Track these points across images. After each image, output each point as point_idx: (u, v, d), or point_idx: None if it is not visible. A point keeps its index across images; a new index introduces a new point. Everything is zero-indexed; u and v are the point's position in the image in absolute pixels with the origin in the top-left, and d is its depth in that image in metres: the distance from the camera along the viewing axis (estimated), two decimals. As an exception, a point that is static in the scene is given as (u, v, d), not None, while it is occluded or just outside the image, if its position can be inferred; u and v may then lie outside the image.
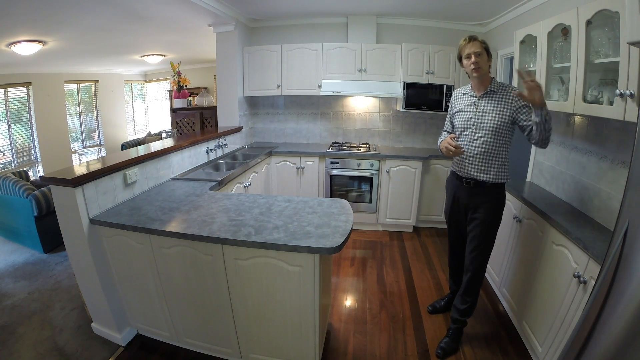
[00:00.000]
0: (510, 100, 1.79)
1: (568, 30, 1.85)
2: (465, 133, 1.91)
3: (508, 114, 1.79)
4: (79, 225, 1.74)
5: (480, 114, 1.85)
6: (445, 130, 2.13)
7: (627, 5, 1.09)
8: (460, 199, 2.00)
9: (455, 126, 2.00)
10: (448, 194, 2.12)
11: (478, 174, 1.87)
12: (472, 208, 1.94)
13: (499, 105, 1.81)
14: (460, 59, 1.91)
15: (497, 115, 1.81)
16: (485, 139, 1.83)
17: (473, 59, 1.78)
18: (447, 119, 2.12)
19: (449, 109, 2.08)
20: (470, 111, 1.89)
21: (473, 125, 1.87)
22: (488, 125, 1.82)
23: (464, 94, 1.97)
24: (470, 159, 1.88)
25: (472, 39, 1.80)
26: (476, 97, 1.88)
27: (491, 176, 1.85)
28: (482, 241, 1.92)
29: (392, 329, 2.19)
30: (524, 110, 1.77)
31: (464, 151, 1.87)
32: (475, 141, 1.86)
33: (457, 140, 1.91)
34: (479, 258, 1.94)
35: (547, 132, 1.64)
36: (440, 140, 2.02)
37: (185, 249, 1.65)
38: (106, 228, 1.78)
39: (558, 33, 1.94)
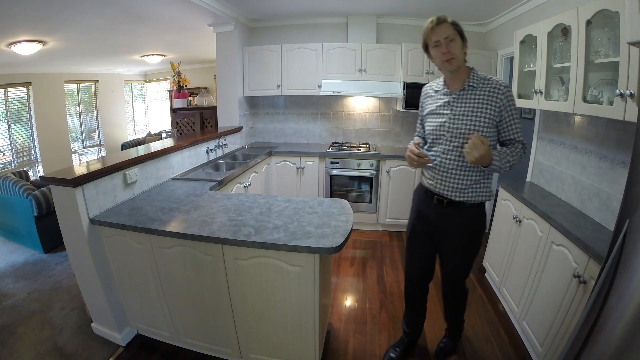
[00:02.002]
0: (495, 98, 1.42)
1: (568, 30, 1.85)
2: (438, 142, 1.53)
3: (492, 115, 1.43)
4: (79, 225, 1.74)
5: (457, 117, 1.47)
6: (417, 135, 1.76)
7: (627, 5, 1.09)
8: (427, 218, 1.65)
9: (426, 133, 1.61)
10: (412, 209, 1.75)
11: (453, 193, 1.52)
12: (442, 230, 1.61)
13: (481, 105, 1.43)
14: (426, 49, 1.48)
15: (478, 118, 1.43)
16: (462, 149, 1.44)
17: (443, 47, 1.40)
18: (417, 122, 1.75)
19: (419, 109, 1.70)
20: (443, 113, 1.51)
21: (447, 131, 1.49)
22: (466, 131, 1.44)
23: (435, 91, 1.59)
24: (444, 174, 1.52)
25: (440, 21, 1.40)
26: (451, 94, 1.51)
27: (469, 195, 1.51)
28: (458, 273, 1.70)
29: (392, 329, 2.19)
30: (508, 119, 1.45)
31: (431, 161, 1.53)
32: (450, 152, 1.49)
33: (430, 151, 1.58)
34: (458, 288, 1.77)
35: (512, 168, 1.47)
36: (409, 146, 1.59)
37: (185, 249, 1.64)
38: (106, 228, 1.78)
39: (558, 33, 1.94)
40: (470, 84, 1.47)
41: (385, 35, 3.89)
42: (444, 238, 1.63)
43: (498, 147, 1.54)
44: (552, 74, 2.06)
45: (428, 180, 1.62)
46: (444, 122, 1.50)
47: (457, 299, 1.84)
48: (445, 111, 1.51)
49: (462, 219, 1.57)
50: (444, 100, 1.53)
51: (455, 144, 1.48)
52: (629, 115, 1.35)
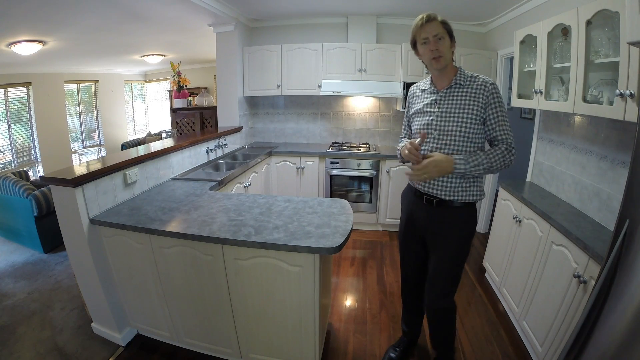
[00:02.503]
0: (481, 95, 1.41)
1: (568, 30, 1.85)
2: (426, 140, 1.51)
3: (478, 112, 1.41)
4: (79, 225, 1.74)
5: (444, 115, 1.45)
6: (403, 137, 1.76)
7: (627, 5, 1.09)
8: (417, 220, 1.63)
9: (413, 132, 1.60)
10: (403, 211, 1.75)
11: (442, 192, 1.49)
12: (432, 233, 1.57)
13: (467, 102, 1.42)
14: (414, 46, 1.48)
15: (464, 116, 1.41)
16: (452, 147, 1.44)
17: (432, 45, 1.39)
18: (404, 123, 1.73)
19: (406, 109, 1.69)
20: (431, 112, 1.50)
21: (435, 129, 1.47)
22: (454, 129, 1.42)
23: (422, 90, 1.58)
24: None
25: (430, 18, 1.39)
26: (438, 93, 1.50)
27: (459, 194, 1.47)
28: (446, 278, 1.57)
29: (392, 329, 2.19)
30: (493, 117, 1.40)
31: (420, 160, 1.47)
32: (438, 150, 1.47)
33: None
34: (444, 299, 1.60)
35: (492, 171, 1.42)
36: (398, 148, 1.64)
37: (185, 249, 1.64)
38: (106, 228, 1.78)
39: (558, 33, 1.94)
40: (457, 81, 1.45)
41: (385, 35, 3.89)
42: (434, 240, 1.58)
43: (487, 146, 1.50)
44: (552, 74, 2.06)
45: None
46: (432, 120, 1.49)
47: (440, 315, 1.67)
48: (432, 109, 1.50)
49: (453, 219, 1.52)
50: (431, 98, 1.52)
51: (444, 142, 1.46)
52: (629, 115, 1.35)
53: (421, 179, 1.42)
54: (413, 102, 1.63)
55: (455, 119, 1.43)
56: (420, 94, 1.59)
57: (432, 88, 1.53)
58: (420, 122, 1.53)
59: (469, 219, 1.55)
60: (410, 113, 1.62)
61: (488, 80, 1.43)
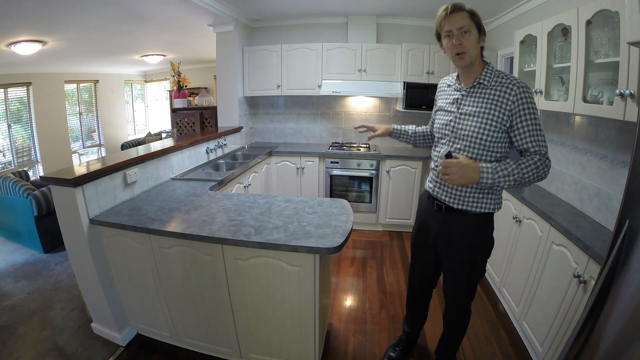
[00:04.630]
0: (506, 100, 1.25)
1: (568, 30, 1.85)
2: (442, 141, 1.43)
3: (500, 119, 1.27)
4: (79, 225, 1.74)
5: (463, 117, 1.35)
6: (426, 127, 1.73)
7: (627, 5, 1.09)
8: (428, 226, 1.56)
9: (435, 129, 1.51)
10: (417, 216, 1.69)
11: (451, 199, 1.41)
12: (444, 241, 1.50)
13: (489, 106, 1.28)
14: (439, 38, 1.36)
15: (484, 121, 1.29)
16: (466, 153, 1.34)
17: (455, 39, 1.25)
18: (430, 119, 1.65)
19: (434, 104, 1.60)
20: (450, 111, 1.41)
21: (452, 131, 1.39)
22: (471, 134, 1.32)
23: (448, 86, 1.48)
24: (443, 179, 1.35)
25: (455, 8, 1.25)
26: (461, 91, 1.39)
27: (470, 204, 1.38)
28: (460, 287, 1.53)
29: (392, 329, 2.19)
30: (521, 126, 1.25)
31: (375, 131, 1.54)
32: None
33: (434, 151, 1.50)
34: (459, 307, 1.60)
35: (523, 184, 1.26)
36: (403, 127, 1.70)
37: (185, 249, 1.64)
38: (106, 228, 1.78)
39: (558, 33, 1.94)
40: (481, 81, 1.32)
41: (385, 35, 3.89)
42: (446, 250, 1.51)
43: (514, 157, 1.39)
44: (552, 74, 2.06)
45: (429, 183, 1.53)
46: (450, 120, 1.41)
47: (457, 319, 1.66)
48: (452, 109, 1.41)
49: (464, 229, 1.43)
50: (454, 97, 1.42)
51: (458, 146, 1.37)
52: (629, 115, 1.35)
53: (443, 179, 1.29)
54: (438, 97, 1.54)
55: (473, 124, 1.31)
56: (445, 89, 1.49)
57: (457, 85, 1.42)
58: (440, 121, 1.46)
59: (484, 228, 1.44)
60: (435, 109, 1.55)
61: (516, 83, 1.25)
